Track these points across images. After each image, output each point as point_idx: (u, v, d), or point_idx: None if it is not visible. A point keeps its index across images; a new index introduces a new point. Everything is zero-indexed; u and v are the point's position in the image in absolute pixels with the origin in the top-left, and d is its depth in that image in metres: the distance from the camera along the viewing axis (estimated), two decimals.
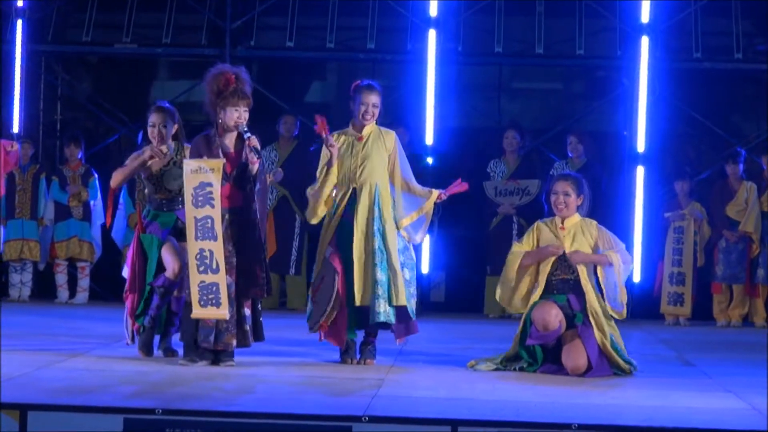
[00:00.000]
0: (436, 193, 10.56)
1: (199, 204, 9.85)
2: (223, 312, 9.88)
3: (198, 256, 9.86)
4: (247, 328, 10.10)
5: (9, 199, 15.58)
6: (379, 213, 10.42)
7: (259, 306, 10.30)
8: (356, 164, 10.45)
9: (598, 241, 10.37)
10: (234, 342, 10.06)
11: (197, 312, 9.94)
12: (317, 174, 10.57)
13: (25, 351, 10.84)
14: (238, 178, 10.04)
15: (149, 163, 10.57)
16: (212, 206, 9.85)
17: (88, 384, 9.07)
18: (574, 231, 10.39)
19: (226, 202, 10.02)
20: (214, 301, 9.86)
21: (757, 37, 16.85)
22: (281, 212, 15.50)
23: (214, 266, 9.85)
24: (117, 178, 10.76)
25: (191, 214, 9.89)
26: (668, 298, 15.25)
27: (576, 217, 10.44)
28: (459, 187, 10.71)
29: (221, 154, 10.03)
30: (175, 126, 10.76)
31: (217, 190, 9.84)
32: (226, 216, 10.03)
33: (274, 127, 15.92)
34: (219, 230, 9.84)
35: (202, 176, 9.85)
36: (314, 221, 10.71)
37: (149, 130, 10.71)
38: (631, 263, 10.67)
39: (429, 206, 10.58)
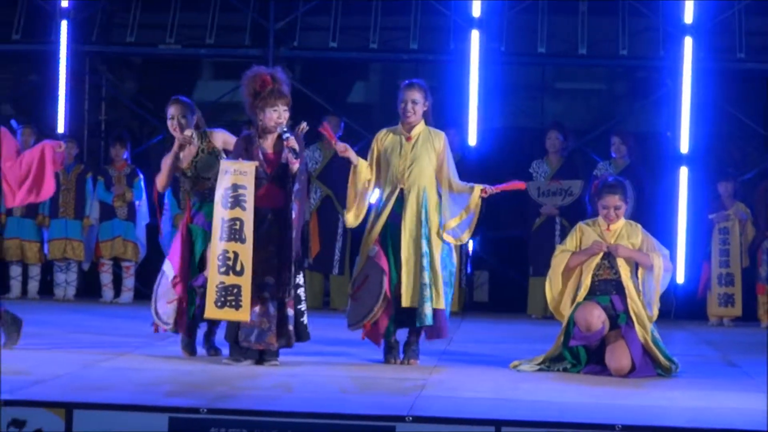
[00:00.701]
0: (479, 188, 10.56)
1: (229, 205, 9.84)
2: (244, 314, 9.87)
3: (221, 257, 9.86)
4: (290, 328, 10.11)
5: (53, 199, 15.61)
6: (426, 217, 10.43)
7: (303, 307, 10.29)
8: (404, 165, 10.45)
9: (642, 245, 10.37)
10: (276, 342, 10.08)
11: (211, 312, 9.94)
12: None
13: (71, 350, 10.90)
14: (278, 179, 10.06)
15: (181, 155, 10.60)
16: (243, 208, 9.83)
17: (133, 383, 9.10)
18: (618, 233, 10.39)
19: (267, 201, 10.04)
20: (233, 303, 9.84)
21: None
22: (325, 212, 15.50)
23: (239, 268, 9.83)
24: (160, 182, 10.80)
25: (219, 214, 9.89)
26: (718, 300, 15.19)
27: (621, 220, 10.43)
28: (514, 185, 10.74)
29: (261, 156, 10.06)
30: (195, 117, 10.79)
31: (250, 192, 9.83)
32: (269, 216, 10.05)
33: (317, 127, 15.89)
34: (249, 233, 9.82)
35: (235, 178, 9.85)
36: (353, 224, 10.72)
37: (168, 123, 10.76)
38: (672, 271, 10.68)
39: (474, 203, 10.57)
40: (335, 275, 15.75)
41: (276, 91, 10.08)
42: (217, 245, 9.90)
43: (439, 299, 10.37)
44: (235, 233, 9.83)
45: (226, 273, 9.83)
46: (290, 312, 10.10)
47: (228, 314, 9.91)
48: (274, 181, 10.06)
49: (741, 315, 15.19)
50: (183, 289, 10.52)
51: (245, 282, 9.83)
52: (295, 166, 9.97)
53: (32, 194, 10.73)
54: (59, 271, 16.04)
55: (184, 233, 10.59)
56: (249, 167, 9.88)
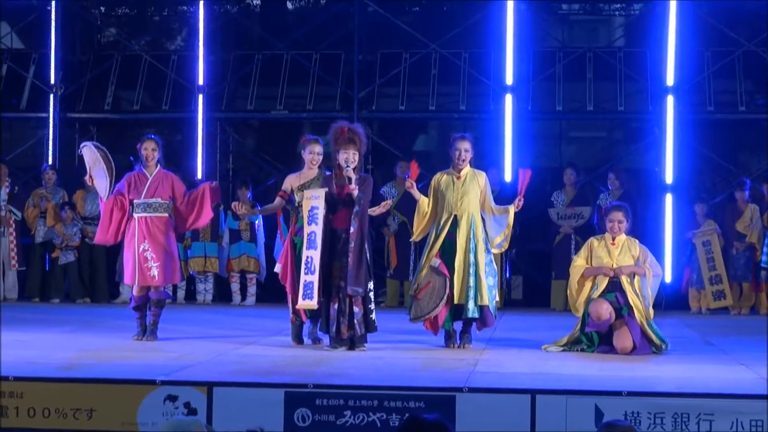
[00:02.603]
0: (512, 208, 10.56)
1: (309, 222, 9.95)
2: (314, 304, 9.94)
3: (305, 262, 9.94)
4: (356, 321, 10.05)
5: None
6: (473, 235, 10.43)
7: (372, 306, 10.20)
8: (457, 197, 10.46)
9: (639, 255, 10.36)
10: (347, 332, 10.03)
11: (300, 304, 10.00)
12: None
13: (210, 340, 10.94)
14: (347, 205, 10.06)
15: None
16: (317, 224, 9.94)
17: (258, 366, 9.11)
18: (621, 246, 10.37)
19: (342, 224, 10.06)
20: (310, 295, 9.92)
21: (757, 93, 16.64)
22: (401, 233, 15.33)
23: (313, 269, 9.92)
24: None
25: (305, 230, 9.97)
26: (713, 296, 15.03)
27: (623, 236, 10.42)
28: (525, 177, 10.70)
29: (335, 187, 10.10)
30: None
31: (321, 212, 9.94)
32: (343, 235, 10.04)
33: (393, 170, 15.95)
34: (320, 242, 9.89)
35: (312, 202, 10.00)
36: (416, 239, 10.89)
37: (308, 156, 10.65)
38: (661, 276, 10.74)
39: (511, 220, 10.60)
40: (409, 281, 15.65)
41: (347, 138, 10.09)
42: (304, 253, 9.98)
43: (483, 297, 10.34)
44: (312, 243, 9.95)
45: (307, 273, 9.95)
46: (356, 309, 10.05)
47: (306, 304, 10.00)
48: (346, 206, 10.06)
49: (732, 302, 15.00)
50: (290, 282, 10.46)
51: (316, 279, 9.90)
52: (355, 192, 9.99)
53: (197, 221, 10.93)
54: (199, 281, 16.07)
55: (288, 247, 10.60)
56: (321, 193, 10.03)
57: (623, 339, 10.11)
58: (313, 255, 9.93)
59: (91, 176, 10.99)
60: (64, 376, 8.18)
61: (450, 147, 10.64)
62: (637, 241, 10.52)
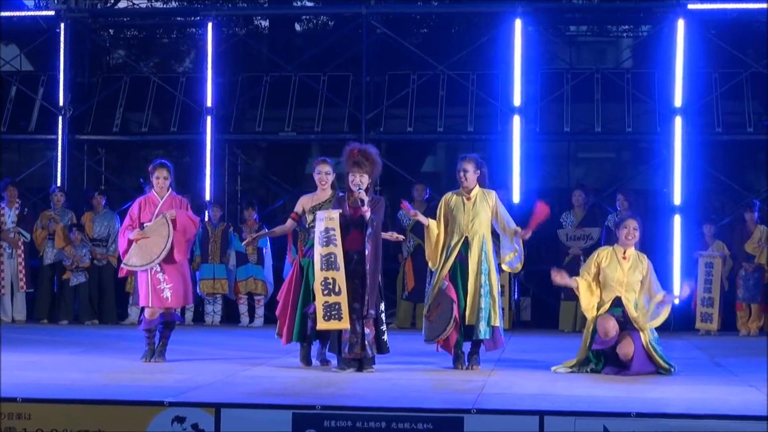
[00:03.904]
0: (521, 233, 10.56)
1: (324, 243, 9.95)
2: (345, 324, 9.93)
3: (323, 283, 9.94)
4: (367, 342, 10.07)
5: (203, 248, 15.72)
6: (485, 257, 10.45)
7: (384, 327, 10.24)
8: (468, 219, 10.47)
9: (645, 277, 10.40)
10: (361, 352, 10.05)
11: (321, 325, 10.01)
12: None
13: (218, 362, 10.92)
14: (361, 227, 10.08)
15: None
16: (335, 245, 9.94)
17: (266, 387, 9.10)
18: (632, 261, 10.37)
19: (353, 245, 10.07)
20: (336, 316, 9.90)
21: (765, 114, 16.65)
22: (417, 255, 15.25)
23: (337, 290, 9.90)
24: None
25: (318, 251, 9.99)
26: (701, 317, 15.06)
27: (633, 249, 10.41)
28: (541, 213, 10.71)
29: (347, 208, 10.12)
30: (333, 175, 10.77)
31: (337, 233, 9.94)
32: (354, 257, 10.05)
33: (400, 192, 15.94)
34: (341, 263, 9.90)
35: (327, 223, 9.99)
36: (433, 267, 10.66)
37: (317, 177, 10.71)
38: (671, 302, 10.62)
39: (521, 244, 10.63)
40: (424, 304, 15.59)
41: (357, 161, 10.12)
42: (319, 274, 9.97)
43: (495, 318, 10.38)
44: (331, 264, 9.93)
45: (329, 294, 9.92)
46: (367, 330, 10.07)
47: (333, 325, 9.99)
48: (358, 228, 10.07)
49: (717, 328, 15.01)
50: (280, 307, 10.58)
51: (343, 300, 9.90)
52: (367, 214, 10.03)
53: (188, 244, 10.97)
54: (208, 303, 16.07)
55: (295, 271, 10.62)
56: (335, 214, 10.03)
57: (625, 346, 10.14)
58: (336, 276, 9.94)
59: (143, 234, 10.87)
60: (72, 397, 8.17)
61: (456, 168, 10.68)
62: (647, 259, 10.50)
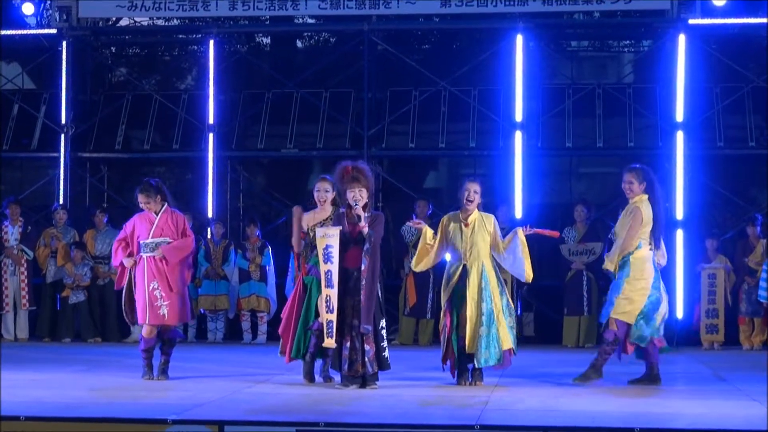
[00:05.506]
0: (520, 231, 10.55)
1: (325, 260, 10.00)
2: (331, 343, 9.99)
3: (326, 300, 9.98)
4: (367, 359, 10.08)
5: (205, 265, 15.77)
6: (486, 284, 10.44)
7: (385, 344, 10.24)
8: (466, 247, 10.48)
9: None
10: (361, 369, 10.06)
11: (326, 342, 10.04)
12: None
13: (221, 379, 10.92)
14: (360, 243, 10.09)
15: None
16: (332, 262, 9.98)
17: (269, 404, 9.10)
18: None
19: (353, 263, 10.09)
20: (330, 333, 9.98)
21: (766, 128, 16.66)
22: (419, 272, 15.29)
23: (331, 307, 9.97)
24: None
25: (322, 268, 10.04)
26: (706, 329, 15.08)
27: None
28: (551, 232, 10.75)
29: (346, 225, 10.13)
30: (334, 192, 10.72)
31: (335, 250, 9.98)
32: (354, 273, 10.07)
33: (402, 208, 15.92)
34: (336, 280, 9.95)
35: (326, 240, 10.03)
36: (415, 269, 10.93)
37: (316, 194, 10.73)
38: None
39: (526, 250, 10.53)
40: (427, 319, 15.60)
41: (352, 177, 10.14)
42: (323, 291, 10.04)
43: (506, 341, 10.41)
44: (329, 281, 10.00)
45: (328, 311, 10.01)
46: (367, 347, 10.08)
47: (329, 342, 10.04)
48: (358, 244, 10.09)
49: (723, 340, 15.03)
50: (283, 325, 10.63)
51: (334, 318, 9.96)
52: (365, 229, 10.06)
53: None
54: (210, 320, 16.06)
55: (299, 288, 10.65)
56: (335, 231, 10.05)
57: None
58: (330, 294, 9.98)
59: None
60: (75, 415, 8.18)
61: (460, 187, 10.69)
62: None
